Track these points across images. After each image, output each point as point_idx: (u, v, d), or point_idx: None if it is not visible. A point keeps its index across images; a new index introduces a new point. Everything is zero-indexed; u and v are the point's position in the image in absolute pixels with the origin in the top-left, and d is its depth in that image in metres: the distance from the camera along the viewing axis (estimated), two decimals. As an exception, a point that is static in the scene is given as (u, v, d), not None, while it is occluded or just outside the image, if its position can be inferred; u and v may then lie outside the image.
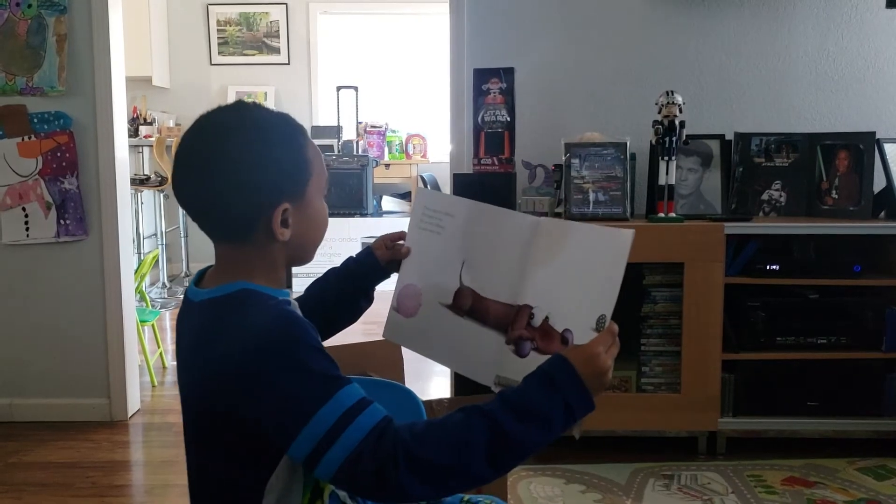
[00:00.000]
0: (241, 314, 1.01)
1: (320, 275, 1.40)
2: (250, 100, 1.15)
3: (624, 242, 1.11)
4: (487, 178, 2.75)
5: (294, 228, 1.06)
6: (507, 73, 2.77)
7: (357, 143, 6.17)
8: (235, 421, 0.99)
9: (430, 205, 1.33)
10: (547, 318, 1.16)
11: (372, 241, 1.41)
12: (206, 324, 1.04)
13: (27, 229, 3.04)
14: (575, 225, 1.20)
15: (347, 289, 1.36)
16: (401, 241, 1.36)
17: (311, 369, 0.95)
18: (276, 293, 1.05)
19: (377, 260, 1.36)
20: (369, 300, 1.38)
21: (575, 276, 1.15)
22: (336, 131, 6.09)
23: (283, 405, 0.95)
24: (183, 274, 6.19)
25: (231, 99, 6.54)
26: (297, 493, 1.06)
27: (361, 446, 0.93)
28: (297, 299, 1.29)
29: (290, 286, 1.14)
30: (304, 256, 1.13)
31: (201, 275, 1.13)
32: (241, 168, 1.01)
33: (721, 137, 2.91)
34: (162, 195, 5.76)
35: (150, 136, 5.86)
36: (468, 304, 1.24)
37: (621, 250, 1.11)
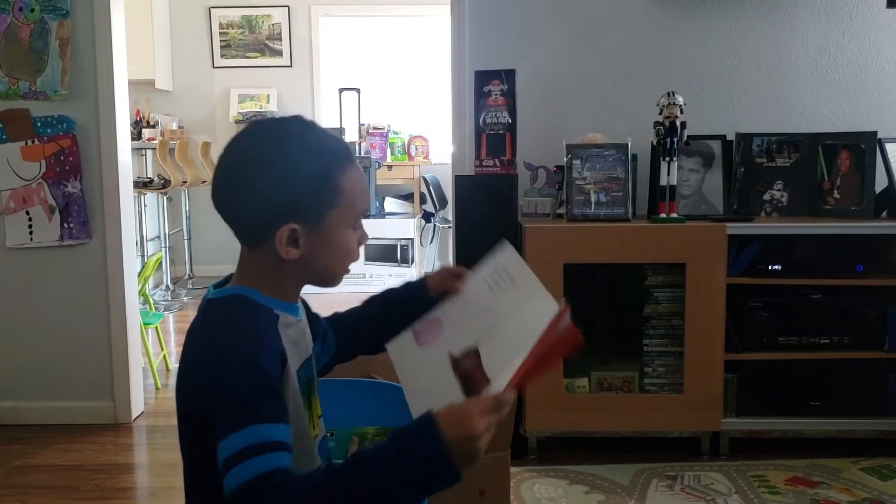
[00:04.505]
0: (218, 323, 1.04)
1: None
2: (303, 115, 1.11)
3: (550, 310, 1.09)
4: (489, 180, 2.76)
5: (306, 251, 1.05)
6: (508, 75, 2.77)
7: (359, 144, 6.18)
8: (200, 423, 1.01)
9: (506, 265, 1.25)
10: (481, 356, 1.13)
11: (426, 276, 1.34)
12: (195, 325, 1.08)
13: (31, 233, 3.05)
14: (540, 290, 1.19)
15: (395, 314, 1.30)
16: (462, 278, 1.28)
17: (240, 396, 0.96)
18: (274, 304, 1.07)
19: (428, 290, 1.30)
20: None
21: (512, 324, 1.14)
22: (338, 133, 6.10)
23: (214, 417, 0.97)
24: (186, 276, 6.20)
25: (234, 101, 6.56)
26: None
27: (245, 488, 0.93)
28: (334, 321, 1.29)
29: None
30: (325, 281, 1.11)
31: (229, 278, 1.15)
32: (257, 179, 1.03)
33: (722, 138, 2.92)
34: (165, 198, 5.76)
35: (154, 139, 5.86)
36: (467, 369, 1.17)
37: (546, 316, 1.08)
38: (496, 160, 2.79)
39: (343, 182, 1.06)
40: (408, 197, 6.39)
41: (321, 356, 1.27)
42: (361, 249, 1.16)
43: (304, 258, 1.05)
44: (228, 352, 0.99)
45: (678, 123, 2.68)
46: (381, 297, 1.34)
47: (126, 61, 3.16)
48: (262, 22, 6.61)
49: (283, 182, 1.03)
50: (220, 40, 6.61)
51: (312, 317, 1.25)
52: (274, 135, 1.06)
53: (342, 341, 1.30)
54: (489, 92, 2.78)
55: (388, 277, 5.72)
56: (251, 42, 6.62)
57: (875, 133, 2.78)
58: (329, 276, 1.11)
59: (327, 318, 1.31)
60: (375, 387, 1.54)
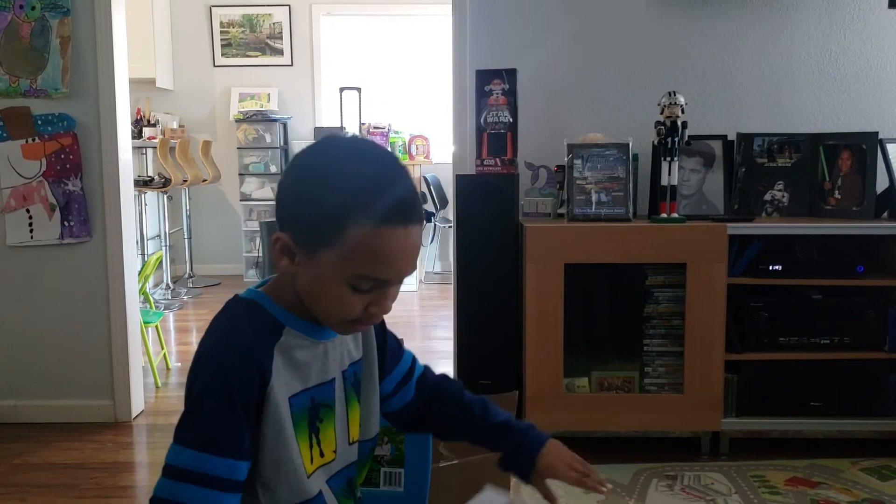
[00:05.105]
0: (215, 330, 1.02)
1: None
2: (396, 155, 1.03)
3: None
4: (490, 180, 2.76)
5: (298, 270, 0.99)
6: (509, 75, 2.77)
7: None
8: None
9: None
10: None
11: (556, 461, 1.23)
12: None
13: (31, 231, 3.05)
14: None
15: (487, 441, 1.25)
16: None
17: (200, 415, 0.97)
18: (287, 318, 1.03)
19: (531, 471, 1.22)
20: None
21: None
22: (339, 133, 6.10)
23: (184, 413, 0.99)
24: (186, 275, 6.20)
25: (234, 100, 6.56)
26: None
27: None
28: (426, 382, 1.24)
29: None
30: (315, 315, 1.03)
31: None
32: (287, 175, 1.01)
33: (723, 138, 2.91)
34: (165, 196, 5.77)
35: (154, 138, 5.87)
36: None
37: None
38: (497, 160, 2.79)
39: (353, 233, 0.94)
40: (408, 196, 6.38)
41: (392, 398, 1.23)
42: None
43: (298, 278, 1.00)
44: (206, 365, 0.98)
45: (679, 123, 2.68)
46: (491, 421, 1.25)
47: (127, 60, 3.16)
48: (263, 21, 6.61)
49: (293, 189, 0.99)
50: (221, 39, 6.61)
51: (392, 350, 1.21)
52: (333, 148, 1.00)
53: (420, 407, 1.24)
54: (490, 91, 2.78)
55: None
56: (252, 41, 6.62)
57: (876, 133, 2.78)
58: (316, 313, 1.03)
59: (424, 370, 1.26)
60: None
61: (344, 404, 1.11)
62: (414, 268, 1.00)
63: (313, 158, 1.00)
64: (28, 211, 3.04)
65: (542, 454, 1.21)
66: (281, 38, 6.61)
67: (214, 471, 0.95)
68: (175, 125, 6.35)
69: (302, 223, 0.97)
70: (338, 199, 0.94)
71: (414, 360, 1.26)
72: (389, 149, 6.38)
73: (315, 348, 1.05)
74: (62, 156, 3.02)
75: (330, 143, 1.02)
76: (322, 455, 1.07)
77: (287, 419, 1.01)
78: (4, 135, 3.01)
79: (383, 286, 0.99)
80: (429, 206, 6.44)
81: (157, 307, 4.27)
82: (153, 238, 5.90)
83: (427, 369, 1.27)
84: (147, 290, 3.85)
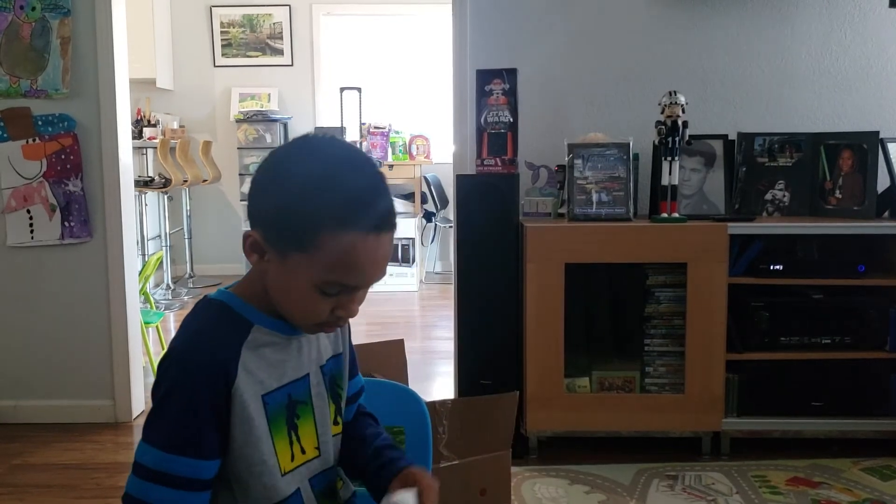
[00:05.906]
0: (183, 331, 1.02)
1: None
2: (376, 164, 1.00)
3: None
4: (490, 179, 2.75)
5: (267, 267, 0.99)
6: (509, 74, 2.77)
7: (360, 144, 6.17)
8: None
9: None
10: None
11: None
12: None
13: (32, 231, 3.05)
14: None
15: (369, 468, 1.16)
16: None
17: (165, 416, 0.97)
18: (256, 317, 1.02)
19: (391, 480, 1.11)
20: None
21: None
22: (339, 132, 6.10)
23: (150, 411, 1.00)
24: (187, 275, 6.20)
25: (235, 100, 6.56)
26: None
27: (131, 501, 0.97)
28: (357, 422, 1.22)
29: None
30: (280, 309, 1.02)
31: None
32: (261, 174, 1.00)
33: (724, 137, 2.91)
34: (166, 197, 5.76)
35: (154, 138, 5.87)
36: None
37: None
38: (497, 159, 2.79)
39: (326, 240, 0.93)
40: (409, 196, 6.38)
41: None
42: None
43: (267, 275, 1.00)
44: (171, 366, 0.99)
45: (680, 123, 2.68)
46: (378, 448, 1.17)
47: (127, 60, 3.16)
48: (263, 21, 6.61)
49: (267, 190, 0.98)
50: (221, 39, 6.61)
51: (352, 360, 1.20)
52: (309, 151, 0.99)
53: (346, 431, 1.20)
54: (490, 91, 2.78)
55: (390, 277, 5.71)
56: (252, 41, 6.62)
57: (877, 133, 2.78)
58: (283, 312, 1.02)
59: (361, 406, 1.24)
60: (375, 385, 1.53)
61: (324, 399, 1.11)
62: (384, 274, 1.01)
63: (289, 160, 0.99)
64: (28, 211, 3.04)
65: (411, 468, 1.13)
66: (281, 38, 6.61)
67: (179, 471, 0.96)
68: (175, 125, 6.35)
69: (274, 225, 0.97)
70: (312, 206, 0.93)
71: (363, 387, 1.26)
72: (390, 149, 6.39)
73: (288, 345, 1.05)
74: (62, 156, 3.02)
75: (306, 144, 1.01)
76: (304, 452, 1.07)
77: (259, 418, 1.01)
78: (5, 135, 3.01)
79: (351, 291, 0.99)
80: (429, 206, 6.44)
81: (157, 307, 4.27)
82: (153, 238, 5.90)
83: (362, 406, 1.26)
84: (147, 290, 3.85)
